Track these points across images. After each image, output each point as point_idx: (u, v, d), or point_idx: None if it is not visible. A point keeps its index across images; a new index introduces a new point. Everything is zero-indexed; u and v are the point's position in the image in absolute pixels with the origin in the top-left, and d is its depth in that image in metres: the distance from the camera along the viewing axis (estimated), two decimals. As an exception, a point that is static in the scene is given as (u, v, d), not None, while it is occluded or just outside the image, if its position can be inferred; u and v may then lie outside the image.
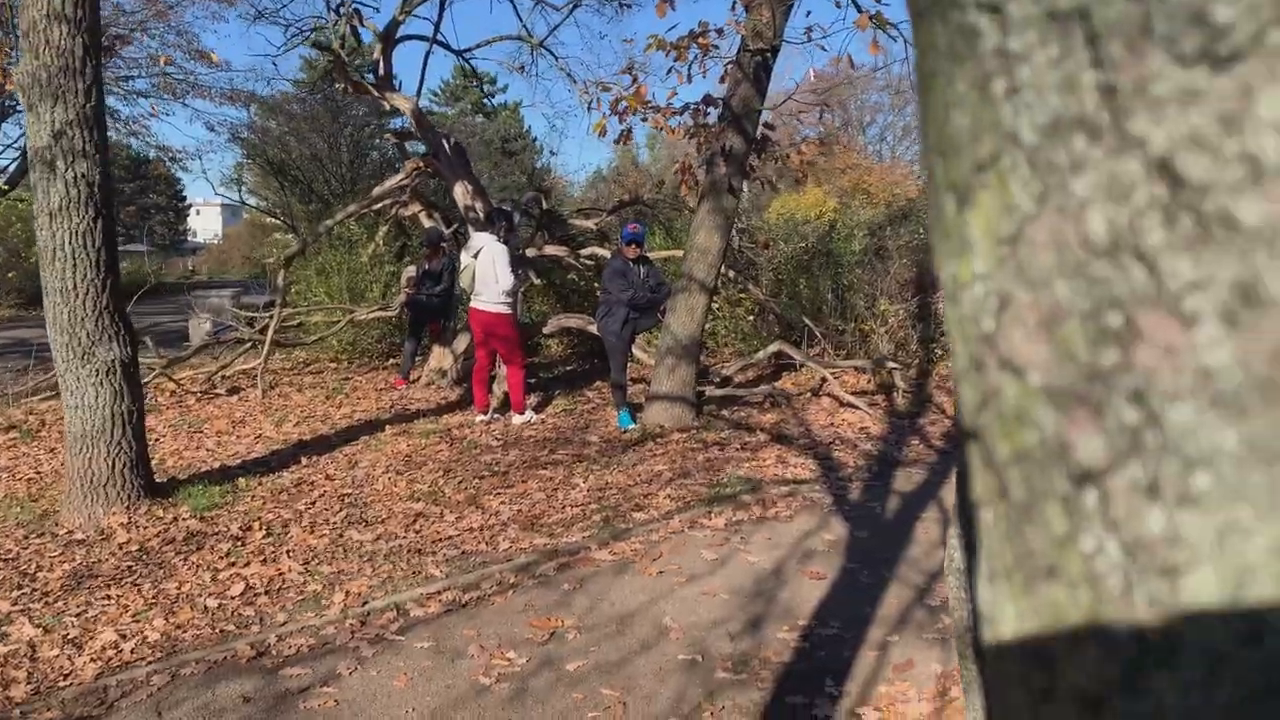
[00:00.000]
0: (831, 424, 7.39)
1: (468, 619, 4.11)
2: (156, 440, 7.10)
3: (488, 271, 7.34)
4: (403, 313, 9.52)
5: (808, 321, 9.04)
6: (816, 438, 7.01)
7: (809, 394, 8.23)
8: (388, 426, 7.37)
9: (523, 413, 7.55)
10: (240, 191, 29.18)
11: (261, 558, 4.66)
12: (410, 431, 7.23)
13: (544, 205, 9.81)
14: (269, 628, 4.01)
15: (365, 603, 4.23)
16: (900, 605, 4.24)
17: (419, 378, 9.26)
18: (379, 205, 10.01)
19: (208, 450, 6.76)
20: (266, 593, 4.32)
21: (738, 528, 5.22)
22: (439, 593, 4.34)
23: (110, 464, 5.08)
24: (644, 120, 6.50)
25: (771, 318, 9.92)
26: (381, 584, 4.42)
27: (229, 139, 23.98)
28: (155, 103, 20.69)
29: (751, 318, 10.26)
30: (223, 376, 9.20)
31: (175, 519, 5.14)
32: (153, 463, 6.32)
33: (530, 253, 8.88)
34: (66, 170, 4.76)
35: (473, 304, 7.50)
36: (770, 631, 3.98)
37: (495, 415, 7.67)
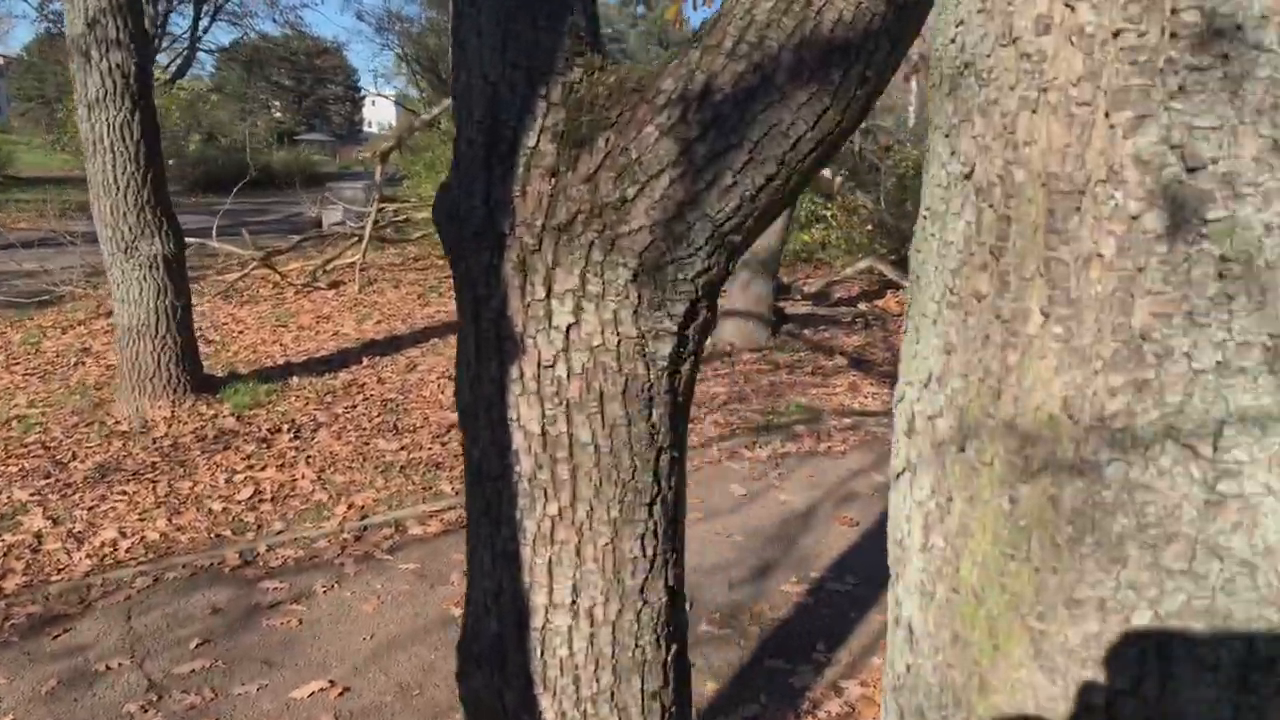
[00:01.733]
0: (923, 350, 6.78)
1: (463, 542, 3.94)
2: (240, 332, 7.26)
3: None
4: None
5: (920, 235, 8.27)
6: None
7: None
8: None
9: (597, 322, 7.27)
10: (375, 83, 29.62)
11: (280, 462, 4.63)
12: (480, 336, 7.10)
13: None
14: (263, 536, 3.96)
15: (365, 517, 4.13)
16: (933, 564, 3.80)
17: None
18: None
19: (281, 346, 6.84)
20: (273, 499, 4.28)
21: (781, 461, 4.83)
22: (443, 511, 4.19)
23: (156, 358, 5.14)
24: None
25: (890, 228, 9.19)
26: (389, 498, 4.31)
27: (376, 28, 24.22)
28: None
29: (869, 228, 9.54)
30: (324, 270, 9.34)
31: (215, 416, 5.18)
32: (225, 355, 6.45)
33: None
34: (101, 60, 4.69)
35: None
36: (775, 582, 3.64)
37: (571, 323, 7.43)
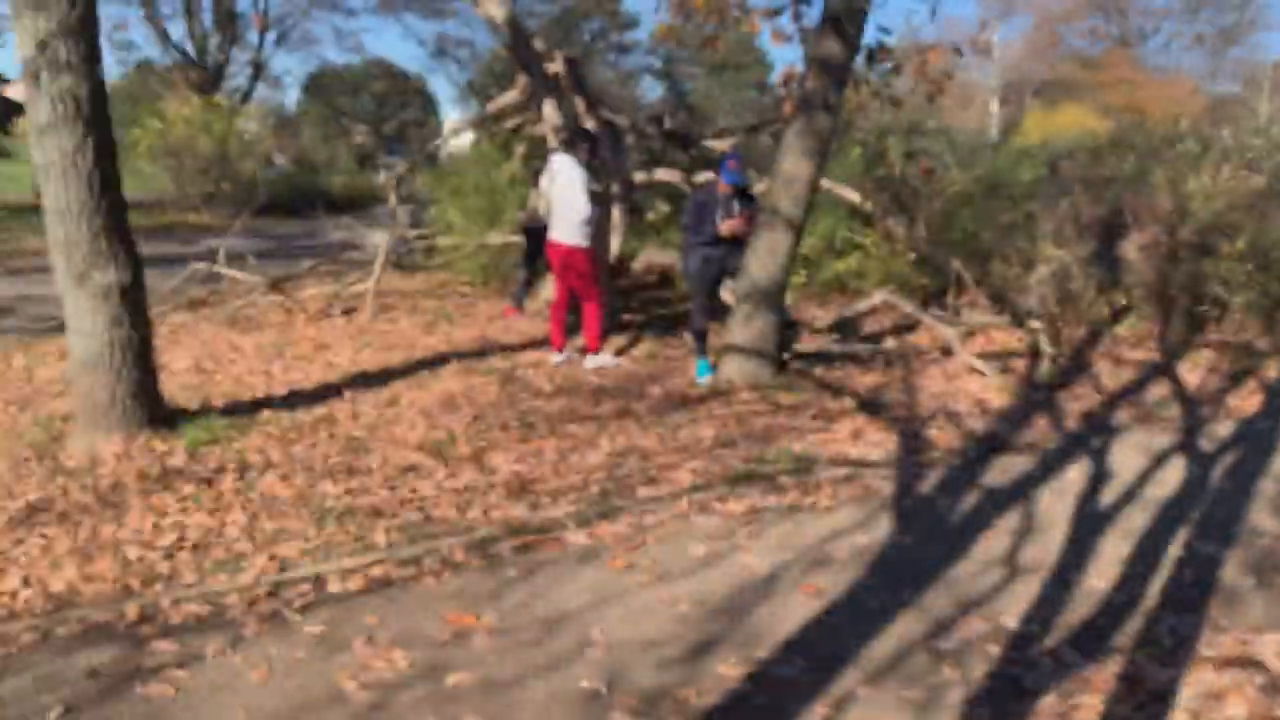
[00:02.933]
0: (945, 392, 6.23)
1: (384, 602, 3.61)
2: (233, 361, 7.09)
3: (564, 199, 6.69)
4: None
5: (956, 265, 7.73)
6: (916, 409, 5.91)
7: (939, 353, 7.04)
8: (457, 360, 6.97)
9: (598, 354, 6.92)
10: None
11: (215, 505, 4.36)
12: (475, 368, 6.80)
13: (665, 125, 8.95)
14: (171, 589, 3.68)
15: (284, 570, 3.82)
16: (898, 645, 3.33)
17: (531, 308, 8.83)
18: (509, 123, 9.60)
19: (268, 376, 6.63)
20: (195, 547, 4.00)
21: (756, 516, 4.39)
22: (369, 566, 3.86)
23: (111, 392, 4.95)
24: (718, 19, 5.52)
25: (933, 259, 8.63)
26: (317, 549, 4.00)
27: (434, 53, 24.53)
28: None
29: (912, 256, 8.95)
30: (339, 297, 9.19)
31: (167, 453, 4.96)
32: (210, 387, 6.28)
33: (639, 178, 8.10)
34: (51, 84, 4.54)
35: (550, 234, 6.89)
36: (711, 664, 3.21)
37: (573, 355, 7.08)
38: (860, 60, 5.85)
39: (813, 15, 5.84)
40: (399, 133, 52.81)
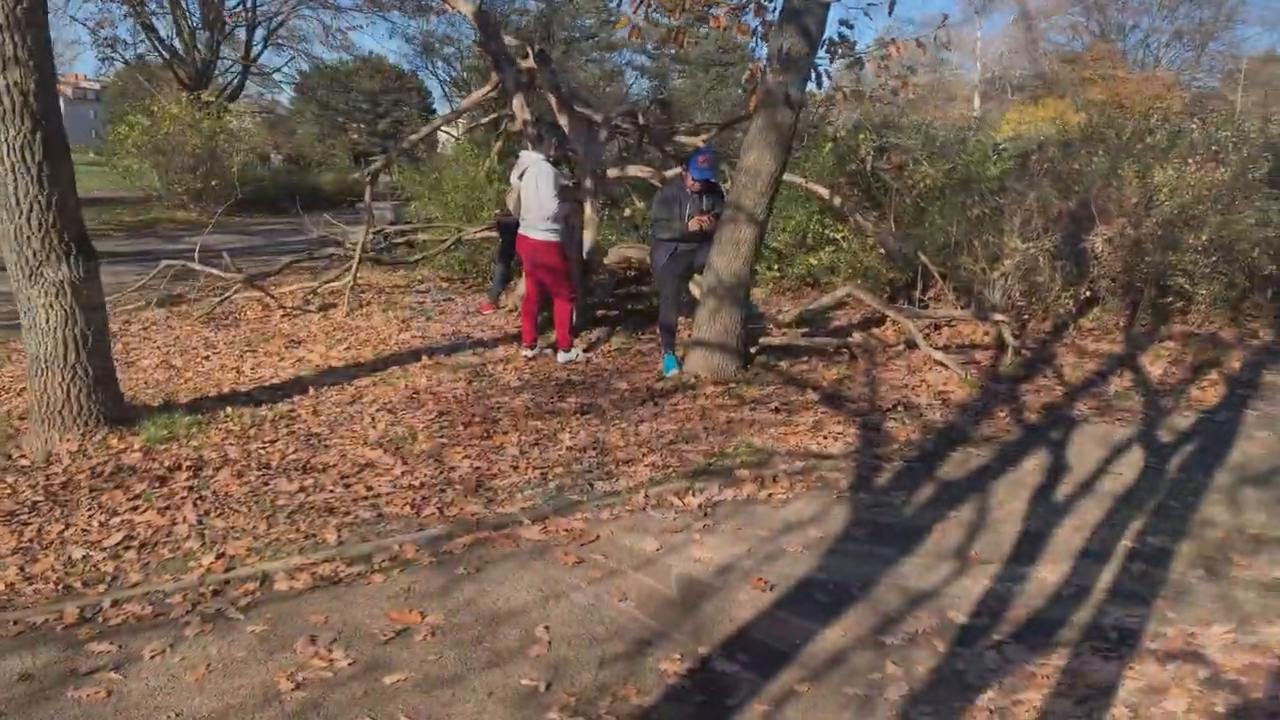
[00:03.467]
0: (907, 385, 6.21)
1: (329, 600, 3.58)
2: (206, 358, 7.05)
3: (532, 195, 6.65)
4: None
5: (923, 258, 7.71)
6: (877, 402, 5.90)
7: (904, 346, 7.02)
8: (427, 356, 6.94)
9: (568, 350, 6.89)
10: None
11: (166, 503, 4.33)
12: (444, 364, 6.77)
13: (640, 121, 8.90)
14: (115, 589, 3.65)
15: (230, 569, 3.79)
16: (843, 640, 3.31)
17: (507, 304, 8.80)
18: (486, 119, 9.55)
19: (237, 373, 6.59)
20: (143, 546, 3.97)
21: (711, 510, 4.37)
22: (317, 564, 3.83)
23: (65, 390, 4.91)
24: (679, 14, 5.47)
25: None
26: (266, 547, 3.97)
27: (420, 51, 24.42)
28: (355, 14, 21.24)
29: (883, 252, 8.92)
30: (315, 293, 9.15)
31: (124, 450, 4.92)
32: (178, 383, 6.23)
33: (612, 173, 8.05)
34: (-3, 79, 4.49)
35: (520, 230, 6.85)
36: (654, 660, 3.19)
37: (544, 350, 7.06)
38: (822, 54, 5.81)
39: (777, 9, 5.78)
40: (394, 130, 52.65)
